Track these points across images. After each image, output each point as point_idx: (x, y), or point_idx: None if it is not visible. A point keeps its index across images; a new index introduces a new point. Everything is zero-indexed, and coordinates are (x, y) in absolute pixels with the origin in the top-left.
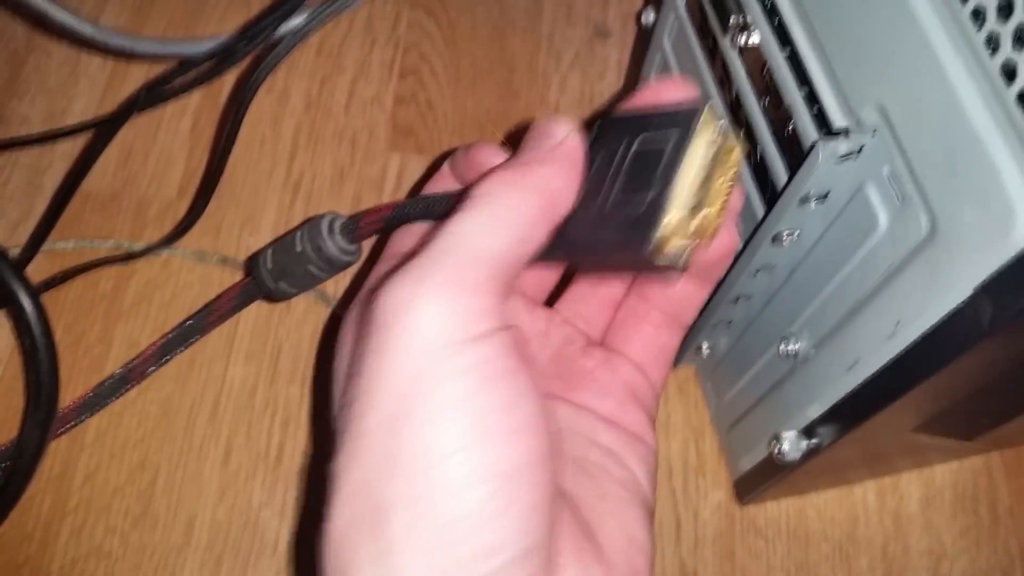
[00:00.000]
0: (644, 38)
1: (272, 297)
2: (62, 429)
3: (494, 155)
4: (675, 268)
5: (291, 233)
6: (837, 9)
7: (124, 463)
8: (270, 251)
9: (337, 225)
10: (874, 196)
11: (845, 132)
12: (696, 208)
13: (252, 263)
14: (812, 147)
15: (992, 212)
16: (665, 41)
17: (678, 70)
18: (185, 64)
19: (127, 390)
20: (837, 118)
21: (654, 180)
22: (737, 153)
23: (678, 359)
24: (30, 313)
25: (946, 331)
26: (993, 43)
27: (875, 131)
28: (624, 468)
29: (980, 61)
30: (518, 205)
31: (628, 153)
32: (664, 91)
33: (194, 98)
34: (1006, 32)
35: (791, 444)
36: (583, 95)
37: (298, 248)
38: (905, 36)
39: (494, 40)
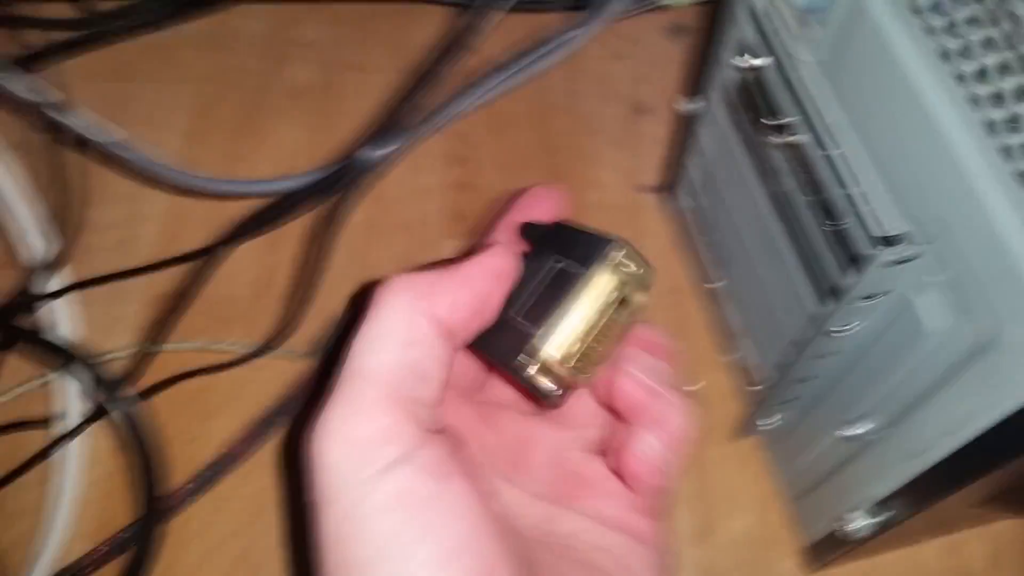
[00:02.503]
0: (684, 119)
1: None
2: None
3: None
4: (548, 400)
5: None
6: (878, 123)
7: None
8: None
9: None
10: (931, 301)
11: (899, 239)
12: (578, 350)
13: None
14: (867, 255)
15: None
16: (704, 131)
17: (718, 159)
18: (279, 201)
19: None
20: (890, 223)
21: (552, 308)
22: (642, 296)
23: (744, 431)
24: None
25: (1012, 428)
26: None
27: (930, 241)
28: (629, 572)
29: (1010, 194)
30: (401, 309)
31: (555, 268)
32: (536, 204)
33: None
34: None
35: (858, 524)
36: (626, 172)
37: None
38: (943, 167)
39: (535, 122)
